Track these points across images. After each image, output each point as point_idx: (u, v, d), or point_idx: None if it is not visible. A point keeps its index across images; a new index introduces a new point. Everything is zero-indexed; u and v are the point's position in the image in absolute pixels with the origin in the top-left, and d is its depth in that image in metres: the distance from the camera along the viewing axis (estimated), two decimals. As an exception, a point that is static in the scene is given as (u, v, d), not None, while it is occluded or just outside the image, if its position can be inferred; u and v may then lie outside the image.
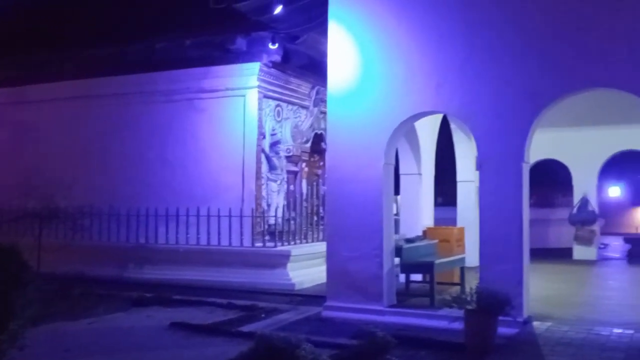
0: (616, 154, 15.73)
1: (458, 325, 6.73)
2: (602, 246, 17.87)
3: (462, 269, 10.05)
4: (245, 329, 7.72)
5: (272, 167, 12.41)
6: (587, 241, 15.64)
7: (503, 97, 7.83)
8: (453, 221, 13.35)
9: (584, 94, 8.27)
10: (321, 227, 12.60)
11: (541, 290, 9.67)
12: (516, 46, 7.81)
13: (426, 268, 9.23)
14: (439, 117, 12.22)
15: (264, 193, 12.14)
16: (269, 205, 12.20)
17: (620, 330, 7.28)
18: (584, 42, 7.50)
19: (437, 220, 13.18)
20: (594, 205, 15.72)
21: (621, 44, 7.32)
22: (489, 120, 7.88)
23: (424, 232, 11.10)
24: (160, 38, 12.39)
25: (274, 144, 12.48)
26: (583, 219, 15.64)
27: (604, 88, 7.72)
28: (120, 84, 12.90)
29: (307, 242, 12.20)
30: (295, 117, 13.13)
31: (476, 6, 8.05)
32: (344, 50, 8.74)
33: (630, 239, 18.12)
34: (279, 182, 12.61)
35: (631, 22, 7.28)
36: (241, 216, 11.58)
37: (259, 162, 11.97)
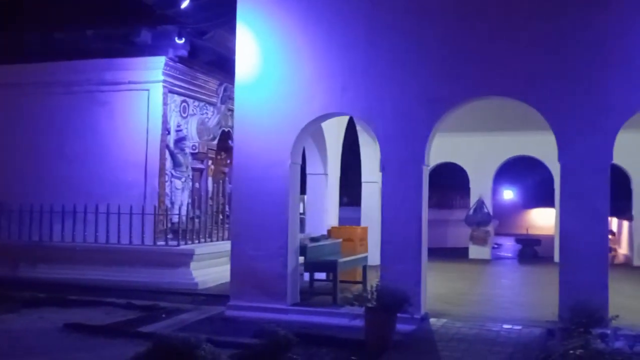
0: (510, 158, 16.66)
1: (359, 323, 6.87)
2: (496, 246, 18.88)
3: (365, 268, 10.28)
4: (145, 329, 7.53)
5: (176, 164, 12.18)
6: (482, 241, 16.46)
7: (404, 102, 8.07)
8: (357, 221, 13.63)
9: (481, 102, 8.68)
10: (226, 225, 12.50)
11: (438, 288, 10.10)
12: (416, 53, 8.07)
13: (330, 267, 9.36)
14: (346, 118, 12.42)
15: (167, 190, 11.89)
16: (172, 203, 11.96)
17: (509, 327, 7.70)
18: (481, 53, 7.87)
19: (342, 220, 13.43)
20: (489, 207, 16.55)
21: (516, 56, 7.73)
22: (391, 123, 8.10)
23: (329, 231, 11.26)
24: (60, 27, 11.83)
25: (179, 141, 12.25)
26: (478, 220, 16.44)
27: (499, 97, 8.12)
28: (15, 73, 12.24)
29: (211, 241, 12.05)
30: (202, 114, 12.94)
31: (380, 13, 8.25)
32: (252, 49, 8.71)
33: (521, 240, 19.26)
34: (183, 179, 12.40)
35: (527, 35, 7.71)
36: (143, 214, 11.29)
37: (162, 158, 11.70)
